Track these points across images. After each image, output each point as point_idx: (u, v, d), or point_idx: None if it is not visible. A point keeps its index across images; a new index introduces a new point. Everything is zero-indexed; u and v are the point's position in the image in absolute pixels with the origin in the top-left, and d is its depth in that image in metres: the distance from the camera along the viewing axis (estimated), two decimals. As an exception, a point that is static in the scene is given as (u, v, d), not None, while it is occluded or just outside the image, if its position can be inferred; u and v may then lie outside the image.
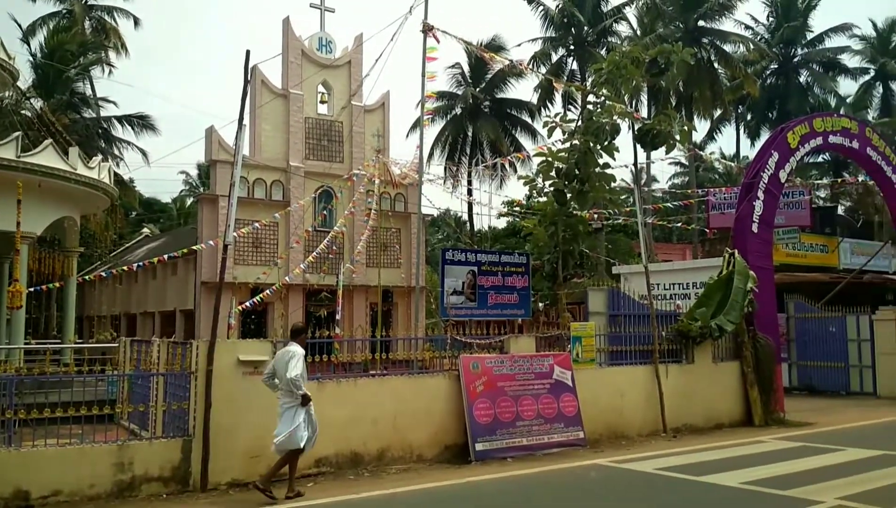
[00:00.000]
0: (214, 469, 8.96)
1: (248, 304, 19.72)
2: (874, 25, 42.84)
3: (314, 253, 21.89)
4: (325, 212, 25.08)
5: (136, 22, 37.56)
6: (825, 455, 10.79)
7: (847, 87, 42.49)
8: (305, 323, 15.48)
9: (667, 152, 15.56)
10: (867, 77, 42.10)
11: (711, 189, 30.58)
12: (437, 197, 77.61)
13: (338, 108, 25.80)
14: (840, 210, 37.62)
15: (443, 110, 38.11)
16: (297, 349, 8.67)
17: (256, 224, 21.26)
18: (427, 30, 13.44)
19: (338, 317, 20.61)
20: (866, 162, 18.31)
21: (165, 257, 20.88)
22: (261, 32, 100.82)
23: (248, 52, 9.92)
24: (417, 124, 15.60)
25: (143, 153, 34.73)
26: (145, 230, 40.45)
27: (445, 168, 35.33)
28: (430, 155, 36.98)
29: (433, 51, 13.84)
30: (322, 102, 26.15)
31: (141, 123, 34.22)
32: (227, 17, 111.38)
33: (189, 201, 52.68)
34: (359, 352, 11.59)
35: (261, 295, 19.85)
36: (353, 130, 26.16)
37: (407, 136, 38.86)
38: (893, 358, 18.82)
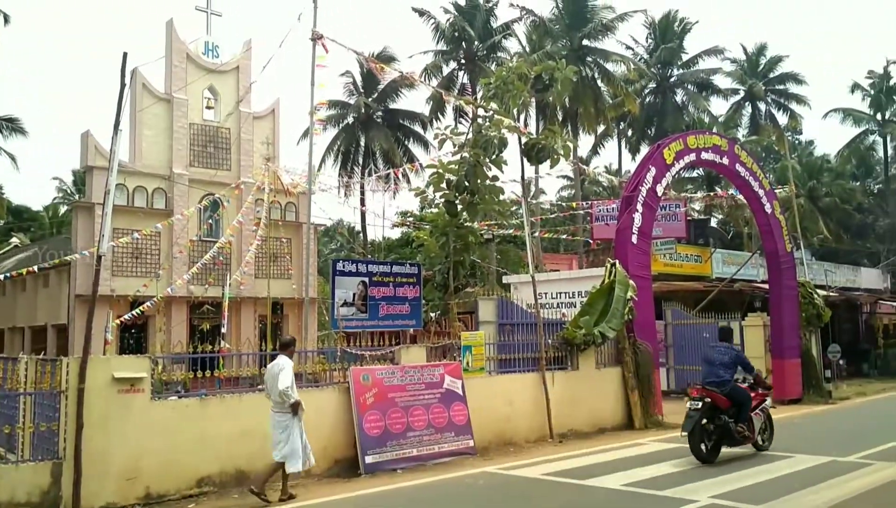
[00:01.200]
0: (87, 493, 8.47)
1: (126, 318, 18.80)
2: (744, 49, 45.89)
3: (199, 264, 21.14)
4: (210, 221, 24.29)
5: (6, 19, 35.18)
6: (699, 454, 11.35)
7: (719, 106, 45.20)
8: (292, 337, 14.70)
9: (551, 167, 16.06)
10: (737, 97, 44.95)
11: (595, 202, 31.77)
12: (330, 207, 76.84)
13: (225, 114, 25.09)
14: (713, 222, 39.99)
15: (335, 119, 37.82)
16: (285, 361, 9.06)
17: (136, 234, 20.29)
18: (316, 38, 13.30)
19: (223, 330, 19.97)
20: (735, 177, 19.51)
21: (36, 268, 19.56)
22: (143, 35, 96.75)
23: (125, 54, 9.48)
24: (308, 132, 15.41)
25: (12, 158, 32.59)
26: (14, 240, 37.79)
27: (338, 177, 35.09)
28: (322, 164, 36.58)
29: (322, 60, 13.71)
30: (208, 107, 25.36)
31: (10, 125, 32.10)
32: (108, 17, 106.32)
33: (63, 210, 49.74)
34: (246, 366, 11.28)
35: (140, 308, 18.98)
36: (242, 137, 25.51)
37: (298, 144, 38.45)
38: (760, 362, 19.98)
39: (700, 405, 10.44)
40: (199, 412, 9.56)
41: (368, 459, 10.46)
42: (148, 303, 19.21)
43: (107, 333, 17.11)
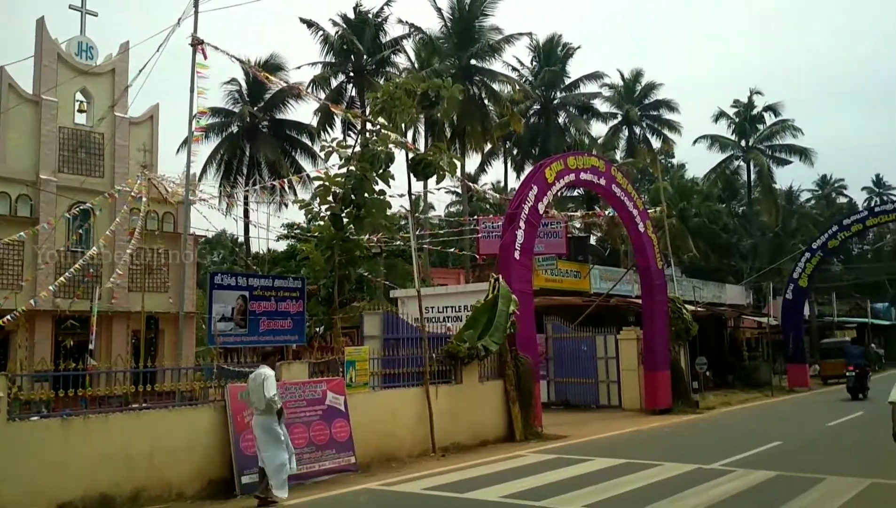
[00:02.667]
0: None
1: (-18, 333, 17.40)
2: (621, 75, 48.16)
3: (65, 275, 19.90)
4: (80, 231, 22.91)
5: None
6: (576, 465, 11.71)
7: (599, 129, 47.08)
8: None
9: (437, 183, 16.21)
10: (615, 121, 47.03)
11: (482, 218, 32.33)
12: (213, 217, 74.33)
13: (98, 118, 23.81)
14: (592, 240, 41.58)
15: (218, 128, 36.74)
16: (267, 371, 9.52)
17: (-3, 243, 18.89)
18: (196, 44, 12.87)
19: (91, 346, 18.83)
20: (612, 197, 20.39)
21: None
22: (12, 33, 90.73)
23: (-16, 51, 8.84)
24: (188, 140, 14.86)
25: None
26: None
27: (220, 188, 34.02)
28: (203, 173, 35.40)
29: (203, 68, 13.27)
30: (81, 110, 23.98)
31: None
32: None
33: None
34: (118, 384, 10.71)
35: (0, 322, 17.62)
36: (117, 142, 24.26)
37: (177, 152, 36.86)
38: (634, 374, 20.98)
39: (855, 373, 23.07)
40: (61, 434, 8.97)
41: (245, 479, 10.11)
42: (8, 317, 17.87)
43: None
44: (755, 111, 50.93)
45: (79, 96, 24.04)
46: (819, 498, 9.03)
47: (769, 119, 51.01)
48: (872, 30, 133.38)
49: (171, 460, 9.80)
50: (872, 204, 60.78)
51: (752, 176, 49.57)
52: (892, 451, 9.16)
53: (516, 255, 16.35)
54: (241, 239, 39.93)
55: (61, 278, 19.92)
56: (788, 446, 13.57)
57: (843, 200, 74.39)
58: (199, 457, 10.10)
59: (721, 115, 51.29)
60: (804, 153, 49.57)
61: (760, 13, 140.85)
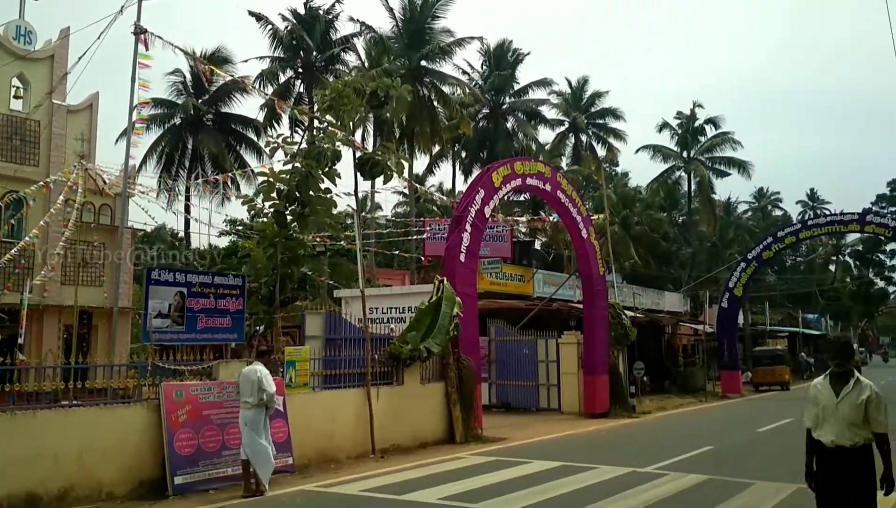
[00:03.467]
0: None
1: None
2: (569, 83, 48.86)
3: (-5, 267, 19.13)
4: (12, 221, 22.06)
5: None
6: (515, 467, 11.80)
7: (546, 135, 47.69)
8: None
9: (385, 183, 16.15)
10: (562, 128, 47.72)
11: (428, 220, 32.35)
12: (153, 211, 72.17)
13: (35, 105, 22.97)
14: (537, 245, 41.96)
15: (160, 119, 35.91)
16: (262, 368, 9.93)
17: (-81, 231, 18.05)
18: (139, 32, 12.53)
19: (20, 341, 18.14)
20: (556, 203, 20.64)
21: None
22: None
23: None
24: (128, 131, 14.44)
25: None
26: None
27: (160, 181, 33.21)
28: (143, 165, 34.50)
29: (146, 59, 12.92)
30: (16, 97, 23.06)
31: None
32: None
33: None
34: (48, 380, 10.36)
35: (-79, 315, 16.83)
36: (53, 131, 23.44)
37: (116, 142, 35.81)
38: (574, 377, 21.26)
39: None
40: (-17, 432, 8.63)
41: (178, 479, 9.88)
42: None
43: None
44: (697, 123, 52.25)
45: (15, 82, 23.14)
46: (746, 502, 9.30)
47: (710, 131, 52.45)
48: (813, 52, 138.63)
49: (102, 459, 9.52)
50: (806, 217, 62.96)
51: (693, 187, 50.82)
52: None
53: (461, 257, 16.40)
54: (182, 234, 39.08)
55: (-11, 270, 19.15)
56: (720, 450, 13.95)
57: (778, 212, 77.06)
58: (131, 457, 9.84)
59: (664, 125, 52.49)
60: (743, 166, 51.09)
61: (707, 30, 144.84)
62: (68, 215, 21.80)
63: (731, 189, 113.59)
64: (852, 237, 66.41)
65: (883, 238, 39.90)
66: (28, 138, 23.22)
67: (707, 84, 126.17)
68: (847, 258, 77.51)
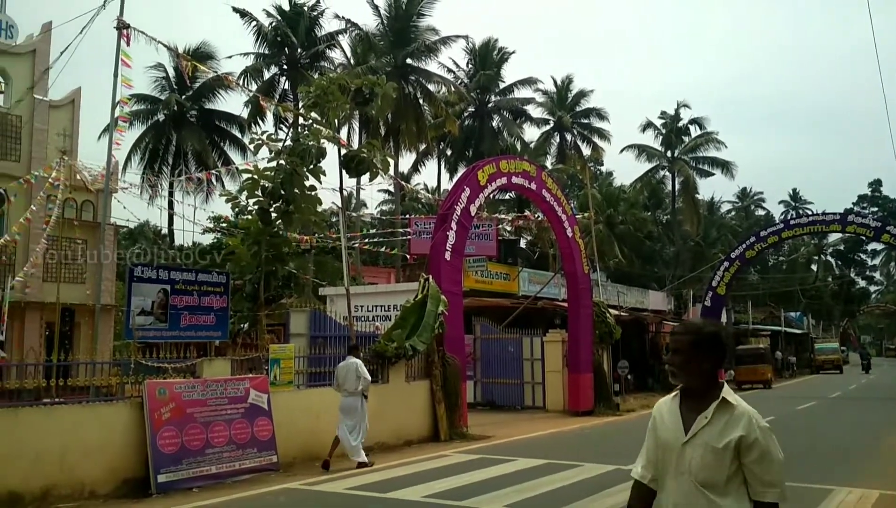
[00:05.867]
0: None
1: None
2: (554, 82, 48.99)
3: (-26, 264, 18.91)
4: (-7, 217, 21.80)
5: None
6: (499, 465, 11.82)
7: (531, 134, 47.78)
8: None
9: (370, 180, 16.12)
10: (547, 127, 47.81)
11: (414, 218, 32.32)
12: (137, 208, 71.69)
13: (16, 99, 22.71)
14: (522, 243, 42.10)
15: (143, 115, 35.62)
16: (357, 360, 11.66)
17: None
18: (122, 27, 12.41)
19: (1, 338, 17.98)
20: (541, 202, 20.69)
21: None
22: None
23: None
24: (110, 127, 14.31)
25: None
26: None
27: (143, 177, 32.97)
28: (127, 162, 34.21)
29: (128, 58, 12.79)
30: (-3, 91, 22.86)
31: None
32: None
33: None
34: (30, 378, 10.27)
35: None
36: (35, 126, 23.17)
37: (99, 138, 35.50)
38: (558, 375, 21.34)
39: None
40: (-37, 430, 8.54)
41: (161, 478, 9.82)
42: None
43: None
44: (681, 123, 52.57)
45: (-5, 76, 22.90)
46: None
47: (694, 131, 52.79)
48: (798, 55, 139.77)
49: (84, 457, 9.44)
50: (789, 217, 63.55)
51: (677, 186, 51.14)
52: (789, 455, 9.56)
53: (447, 256, 16.40)
54: (165, 231, 38.81)
55: (-31, 266, 18.92)
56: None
57: (761, 212, 77.69)
58: (114, 455, 9.77)
59: (649, 125, 52.78)
60: (726, 166, 51.47)
61: (693, 32, 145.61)
62: (50, 212, 21.60)
63: (715, 189, 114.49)
64: (834, 237, 67.15)
65: (864, 238, 40.28)
66: (9, 134, 22.95)
67: (690, 86, 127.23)
68: (829, 258, 78.44)
